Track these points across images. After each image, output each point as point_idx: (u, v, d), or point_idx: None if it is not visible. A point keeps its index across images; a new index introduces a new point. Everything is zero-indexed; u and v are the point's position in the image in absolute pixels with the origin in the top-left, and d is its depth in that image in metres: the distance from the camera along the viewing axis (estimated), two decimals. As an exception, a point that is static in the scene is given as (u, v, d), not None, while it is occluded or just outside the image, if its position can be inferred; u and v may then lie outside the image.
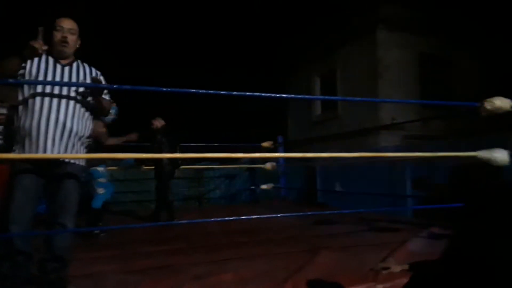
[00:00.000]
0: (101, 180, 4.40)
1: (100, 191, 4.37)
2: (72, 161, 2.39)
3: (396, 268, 2.54)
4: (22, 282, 2.26)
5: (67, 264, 2.42)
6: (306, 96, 10.16)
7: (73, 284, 2.33)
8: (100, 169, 4.40)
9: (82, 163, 2.47)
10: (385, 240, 3.57)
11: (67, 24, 2.42)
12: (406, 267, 2.53)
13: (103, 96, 2.48)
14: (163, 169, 5.19)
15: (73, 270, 2.69)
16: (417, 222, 4.60)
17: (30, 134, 2.26)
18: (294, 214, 3.66)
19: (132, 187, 8.08)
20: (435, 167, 6.44)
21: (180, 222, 4.60)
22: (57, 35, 2.41)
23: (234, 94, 2.89)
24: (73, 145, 2.37)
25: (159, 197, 5.34)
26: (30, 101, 2.29)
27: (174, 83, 2.90)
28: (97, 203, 4.31)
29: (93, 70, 2.55)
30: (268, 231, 4.41)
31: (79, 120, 2.40)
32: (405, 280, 2.38)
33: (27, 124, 2.26)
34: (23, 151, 2.27)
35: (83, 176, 2.49)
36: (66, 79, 2.43)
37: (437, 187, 6.26)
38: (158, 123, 5.23)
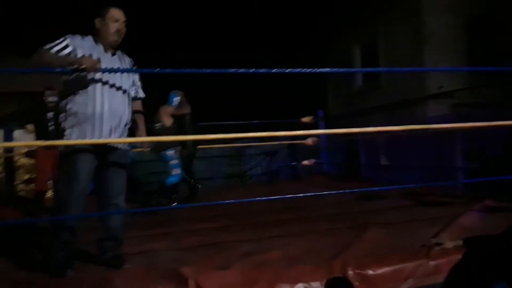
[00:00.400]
0: (173, 162, 4.86)
1: (175, 171, 4.86)
2: (122, 147, 2.55)
3: (449, 244, 2.46)
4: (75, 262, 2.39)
5: (121, 242, 2.54)
6: (346, 69, 9.85)
7: (128, 261, 2.44)
8: (170, 152, 4.83)
9: (127, 148, 2.67)
10: (435, 215, 3.45)
11: (122, 16, 2.49)
12: (460, 242, 2.44)
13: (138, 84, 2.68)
14: (187, 150, 5.32)
15: (128, 248, 2.83)
16: (470, 196, 4.40)
17: (91, 121, 2.38)
18: (341, 191, 3.60)
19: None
20: (488, 136, 6.10)
21: (225, 202, 4.66)
22: (113, 26, 2.48)
23: (273, 72, 2.84)
24: (123, 133, 2.53)
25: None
26: (90, 88, 2.39)
27: (209, 65, 2.88)
28: (171, 181, 4.85)
29: (128, 58, 2.66)
30: (312, 208, 4.39)
31: (129, 110, 2.57)
32: (459, 257, 2.32)
33: (88, 111, 2.37)
34: (82, 136, 2.38)
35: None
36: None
37: (490, 158, 5.95)
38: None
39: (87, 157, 2.40)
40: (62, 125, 2.43)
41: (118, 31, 2.49)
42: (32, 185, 6.51)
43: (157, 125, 4.95)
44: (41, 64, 2.29)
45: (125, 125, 2.55)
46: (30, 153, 5.91)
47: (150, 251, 2.79)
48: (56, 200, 2.37)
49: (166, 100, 5.12)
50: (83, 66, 2.20)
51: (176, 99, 5.07)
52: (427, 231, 2.79)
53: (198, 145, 5.61)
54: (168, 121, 5.00)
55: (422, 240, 2.57)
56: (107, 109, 2.43)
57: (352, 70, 10.40)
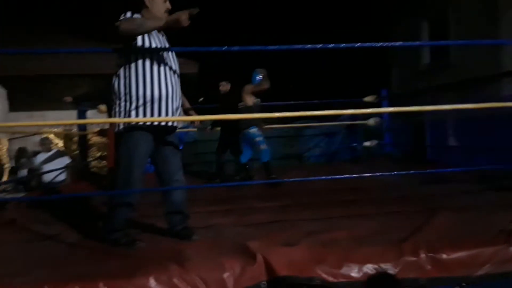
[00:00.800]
0: (259, 138, 5.08)
1: (263, 147, 5.07)
2: (178, 126, 2.70)
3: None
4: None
5: (188, 216, 2.65)
6: (413, 43, 9.29)
7: (196, 234, 2.55)
8: (253, 130, 5.08)
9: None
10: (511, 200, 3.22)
11: None
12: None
13: None
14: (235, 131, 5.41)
15: (194, 222, 2.95)
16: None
17: (158, 103, 2.48)
18: (411, 172, 3.45)
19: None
20: None
21: (288, 180, 4.69)
22: (164, 5, 2.51)
23: (330, 47, 2.75)
24: (180, 113, 2.69)
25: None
26: (154, 69, 2.47)
27: (266, 42, 2.85)
28: (264, 157, 5.07)
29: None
30: (376, 189, 4.28)
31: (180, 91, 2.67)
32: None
33: (155, 93, 2.46)
34: (147, 116, 2.48)
35: None
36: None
37: None
38: (223, 87, 5.57)
39: (149, 137, 2.50)
40: (124, 106, 2.48)
41: (168, 9, 2.52)
42: (104, 162, 6.97)
43: (240, 104, 5.14)
44: (133, 27, 2.30)
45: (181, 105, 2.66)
46: (102, 132, 6.30)
47: (216, 226, 2.89)
48: (119, 180, 2.49)
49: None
50: (182, 19, 2.24)
51: (259, 78, 5.15)
52: (504, 216, 2.61)
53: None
54: (249, 100, 5.13)
55: (499, 225, 2.41)
56: (170, 90, 2.51)
57: (419, 44, 9.78)
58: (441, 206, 3.13)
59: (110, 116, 4.91)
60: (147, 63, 2.47)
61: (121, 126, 2.51)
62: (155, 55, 2.49)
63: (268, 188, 4.67)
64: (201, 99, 7.69)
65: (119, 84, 2.49)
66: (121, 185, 2.49)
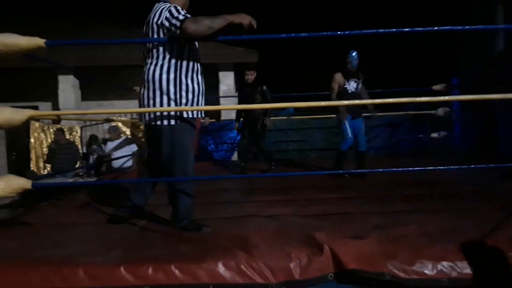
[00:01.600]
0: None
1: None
2: None
3: None
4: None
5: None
6: (486, 26, 8.62)
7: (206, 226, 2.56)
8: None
9: None
10: None
11: None
12: None
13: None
14: (256, 121, 5.38)
15: (256, 211, 2.99)
16: None
17: (202, 95, 2.65)
18: (484, 165, 3.20)
19: (294, 136, 8.37)
20: None
21: (348, 171, 4.57)
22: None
23: (393, 31, 2.61)
24: None
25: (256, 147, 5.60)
26: (198, 64, 2.64)
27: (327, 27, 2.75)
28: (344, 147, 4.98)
29: None
30: (445, 184, 4.06)
31: None
32: None
33: (201, 87, 2.65)
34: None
35: None
36: None
37: None
38: (251, 75, 5.37)
39: (193, 130, 2.64)
40: (175, 99, 2.53)
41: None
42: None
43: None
44: (202, 29, 2.35)
45: None
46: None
47: (279, 215, 2.89)
48: (178, 172, 2.56)
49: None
50: (246, 23, 2.33)
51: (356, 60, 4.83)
52: None
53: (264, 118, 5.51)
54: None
55: None
56: (202, 82, 2.66)
57: (492, 27, 9.05)
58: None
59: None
60: (196, 57, 2.60)
61: (169, 120, 2.54)
62: (198, 50, 2.63)
63: (326, 179, 4.60)
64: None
65: (167, 75, 2.52)
66: (181, 176, 2.58)
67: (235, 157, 7.77)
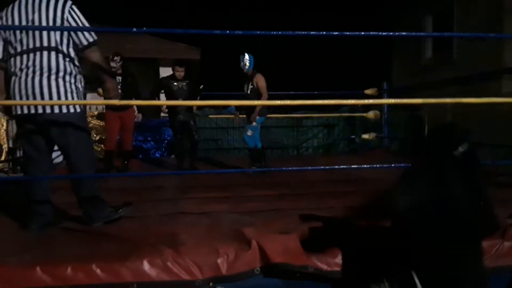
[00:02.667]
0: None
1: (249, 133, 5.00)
2: None
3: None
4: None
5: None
6: (415, 33, 9.16)
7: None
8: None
9: None
10: (509, 196, 3.22)
11: None
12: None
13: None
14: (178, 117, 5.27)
15: (191, 208, 2.96)
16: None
17: None
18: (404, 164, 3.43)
19: (235, 135, 8.35)
20: None
21: (285, 169, 4.67)
22: None
23: (335, 34, 2.73)
24: None
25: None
26: None
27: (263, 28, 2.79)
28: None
29: None
30: (373, 181, 4.27)
31: None
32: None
33: None
34: None
35: None
36: None
37: None
38: (181, 72, 5.24)
39: None
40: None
41: None
42: (101, 146, 6.94)
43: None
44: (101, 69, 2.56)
45: None
46: (100, 116, 6.26)
47: (211, 212, 2.87)
48: (91, 164, 2.56)
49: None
50: None
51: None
52: (500, 212, 2.60)
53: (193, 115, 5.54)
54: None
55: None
56: None
57: (421, 34, 9.67)
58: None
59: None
60: None
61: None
62: None
63: (265, 177, 4.66)
64: (201, 86, 7.64)
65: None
66: (92, 168, 2.56)
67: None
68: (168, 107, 5.26)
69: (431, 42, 9.40)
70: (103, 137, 6.81)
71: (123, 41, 7.39)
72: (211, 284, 1.93)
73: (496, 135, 6.29)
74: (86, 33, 2.44)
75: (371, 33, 2.86)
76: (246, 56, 4.86)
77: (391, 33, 2.91)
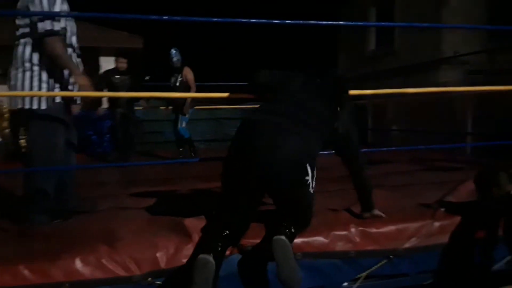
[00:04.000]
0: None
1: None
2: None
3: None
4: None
5: None
6: (358, 23, 9.44)
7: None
8: None
9: None
10: (443, 179, 3.41)
11: None
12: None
13: None
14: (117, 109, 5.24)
15: (130, 202, 2.86)
16: (478, 161, 4.34)
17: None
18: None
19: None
20: (501, 103, 5.94)
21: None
22: None
23: (275, 22, 2.71)
24: None
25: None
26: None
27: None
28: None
29: None
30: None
31: None
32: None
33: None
34: None
35: None
36: None
37: (502, 124, 5.83)
38: (124, 63, 5.20)
39: None
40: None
41: None
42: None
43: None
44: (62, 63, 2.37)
45: None
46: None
47: (152, 207, 2.79)
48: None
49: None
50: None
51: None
52: (433, 194, 2.76)
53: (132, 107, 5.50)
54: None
55: (427, 202, 2.55)
56: None
57: (365, 24, 9.98)
58: (377, 184, 3.24)
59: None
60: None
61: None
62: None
63: (213, 169, 4.60)
64: (147, 77, 7.44)
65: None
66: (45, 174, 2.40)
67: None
68: (109, 99, 5.13)
69: (375, 33, 9.75)
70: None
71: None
72: (149, 279, 1.88)
73: (435, 124, 6.65)
74: (42, 21, 2.25)
75: (311, 22, 2.88)
76: (175, 51, 5.14)
77: (330, 23, 2.94)
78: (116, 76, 5.05)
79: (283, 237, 1.76)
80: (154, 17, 2.56)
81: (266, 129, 1.85)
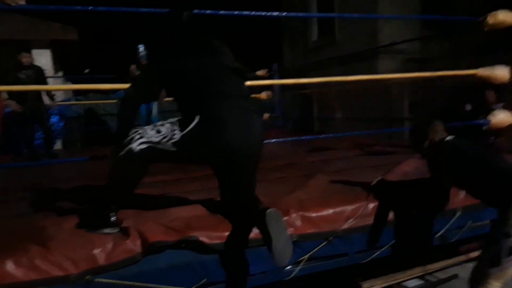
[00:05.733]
0: None
1: None
2: None
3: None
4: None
5: None
6: (299, 14, 9.64)
7: None
8: None
9: None
10: (379, 162, 3.58)
11: None
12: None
13: None
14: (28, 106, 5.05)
15: (65, 200, 2.74)
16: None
17: None
18: (289, 139, 3.66)
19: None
20: (435, 89, 6.33)
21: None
22: None
23: (221, 13, 2.74)
24: None
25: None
26: None
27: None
28: None
29: None
30: (265, 159, 4.42)
31: None
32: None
33: None
34: None
35: None
36: None
37: (436, 110, 6.22)
38: (28, 58, 5.01)
39: None
40: None
41: None
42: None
43: None
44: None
45: None
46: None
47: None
48: None
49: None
50: None
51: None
52: (370, 177, 2.89)
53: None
54: None
55: (363, 185, 2.67)
56: None
57: (307, 15, 10.17)
58: (319, 170, 3.35)
59: None
60: None
61: None
62: None
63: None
64: (87, 70, 7.14)
65: None
66: None
67: (58, 146, 7.03)
68: (16, 96, 4.83)
69: (317, 24, 9.97)
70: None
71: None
72: (88, 277, 1.83)
73: (373, 110, 6.96)
74: None
75: (252, 13, 2.93)
76: (142, 47, 5.03)
77: (269, 13, 3.00)
78: (23, 71, 4.81)
79: (275, 209, 1.84)
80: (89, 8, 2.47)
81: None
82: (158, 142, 1.90)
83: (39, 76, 5.00)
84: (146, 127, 1.97)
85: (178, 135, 1.90)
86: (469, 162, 2.15)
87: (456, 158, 2.15)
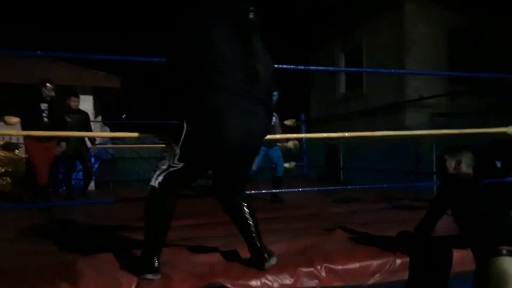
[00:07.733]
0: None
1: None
2: None
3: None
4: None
5: None
6: (329, 68, 9.92)
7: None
8: None
9: None
10: (407, 217, 3.52)
11: None
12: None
13: None
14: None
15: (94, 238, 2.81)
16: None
17: None
18: (314, 188, 3.66)
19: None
20: (464, 145, 6.23)
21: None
22: None
23: None
24: None
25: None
26: None
27: None
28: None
29: None
30: (289, 208, 4.43)
31: None
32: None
33: None
34: None
35: None
36: None
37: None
38: (76, 102, 5.27)
39: None
40: None
41: None
42: (7, 179, 6.36)
43: None
44: None
45: None
46: (8, 146, 5.75)
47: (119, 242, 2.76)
48: None
49: None
50: None
51: None
52: (396, 232, 2.84)
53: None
54: None
55: (390, 239, 2.62)
56: None
57: (334, 69, 10.45)
58: (344, 222, 3.32)
59: (25, 127, 4.20)
60: None
61: None
62: None
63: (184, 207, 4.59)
64: (124, 115, 7.49)
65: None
66: None
67: (91, 186, 7.25)
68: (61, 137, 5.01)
69: (344, 77, 10.20)
70: (9, 169, 6.27)
71: (31, 66, 6.96)
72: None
73: (402, 163, 6.88)
74: None
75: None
76: None
77: (304, 67, 3.16)
78: (70, 115, 5.06)
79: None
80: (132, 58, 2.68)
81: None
82: (170, 166, 1.97)
83: (85, 121, 5.28)
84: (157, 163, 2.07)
85: (177, 150, 1.98)
86: (464, 197, 2.17)
87: (456, 190, 2.22)
